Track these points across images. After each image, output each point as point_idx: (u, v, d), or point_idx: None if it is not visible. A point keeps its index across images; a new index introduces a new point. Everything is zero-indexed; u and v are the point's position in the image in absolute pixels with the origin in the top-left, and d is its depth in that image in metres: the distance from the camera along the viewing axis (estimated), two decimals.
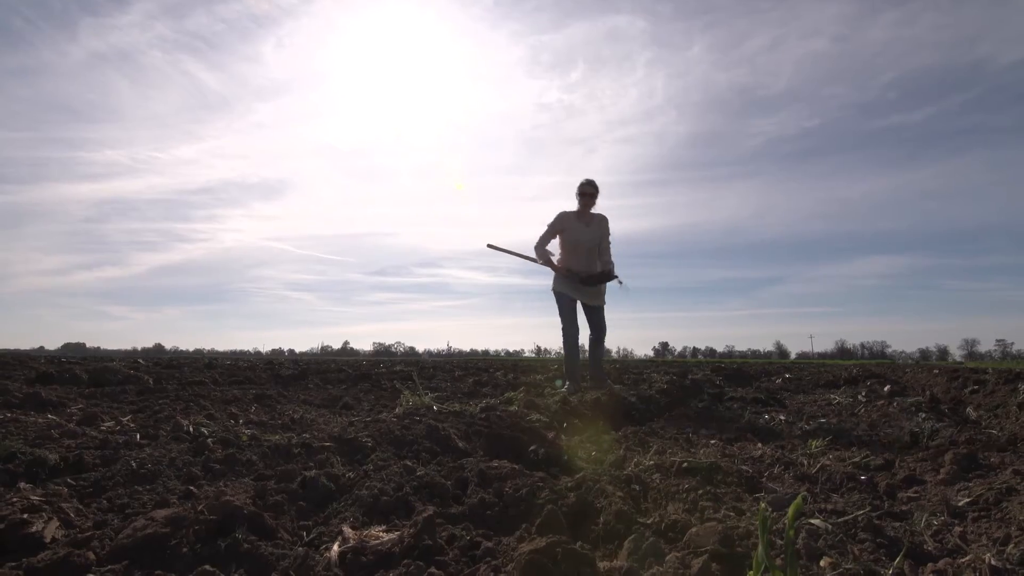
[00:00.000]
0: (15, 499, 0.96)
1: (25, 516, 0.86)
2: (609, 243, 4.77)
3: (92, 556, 0.79)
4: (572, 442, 2.12)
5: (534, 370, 8.55)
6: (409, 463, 1.25)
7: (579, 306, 4.64)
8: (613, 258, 4.76)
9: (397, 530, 0.81)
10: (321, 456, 1.58)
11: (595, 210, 4.67)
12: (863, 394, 4.52)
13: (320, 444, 1.70)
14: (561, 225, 4.58)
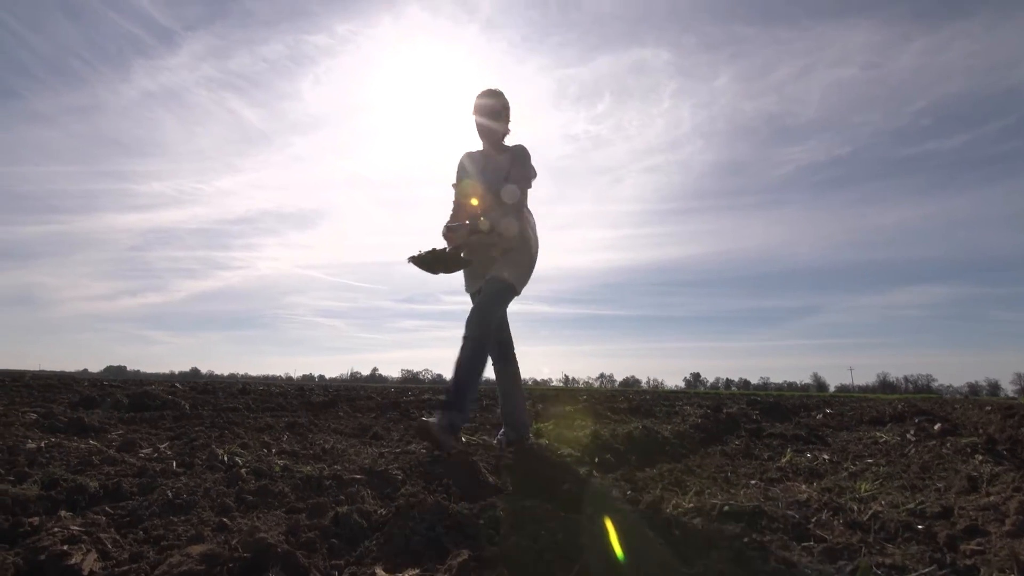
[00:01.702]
0: (56, 529, 0.97)
1: (65, 548, 0.87)
2: (522, 184, 2.79)
3: None
4: (606, 480, 2.06)
5: (562, 400, 8.41)
6: (441, 500, 1.22)
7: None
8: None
9: (431, 574, 0.78)
10: (352, 489, 1.56)
11: (510, 141, 2.93)
12: (911, 432, 4.29)
13: (351, 476, 1.69)
14: (462, 172, 2.94)
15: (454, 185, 2.96)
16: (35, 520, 1.05)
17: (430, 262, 2.61)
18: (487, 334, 2.56)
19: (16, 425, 2.36)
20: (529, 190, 2.92)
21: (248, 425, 2.86)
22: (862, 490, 2.10)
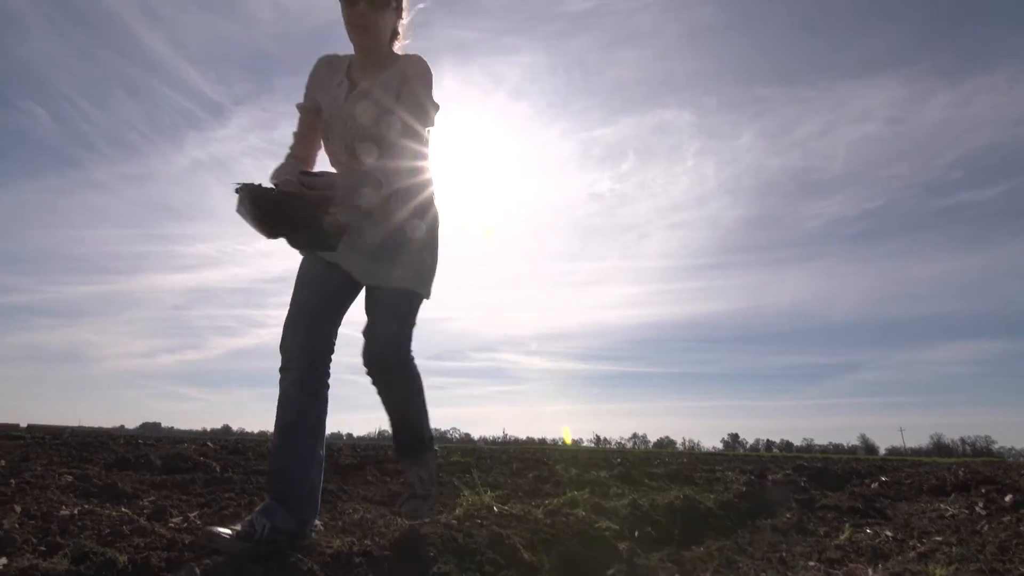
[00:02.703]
0: None
1: None
2: (414, 123, 1.76)
3: None
4: (651, 560, 1.92)
5: (596, 464, 8.10)
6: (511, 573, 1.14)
7: (337, 288, 1.82)
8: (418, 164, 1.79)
9: None
10: (382, 567, 1.49)
11: (406, 49, 1.91)
12: (980, 505, 3.94)
13: (381, 553, 1.61)
14: (313, 89, 1.90)
15: (301, 106, 1.88)
16: None
17: (273, 211, 1.41)
18: (407, 361, 1.85)
19: (52, 488, 2.36)
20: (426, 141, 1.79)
21: None
22: (935, 574, 1.90)
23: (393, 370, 1.84)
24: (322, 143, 1.89)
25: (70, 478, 2.69)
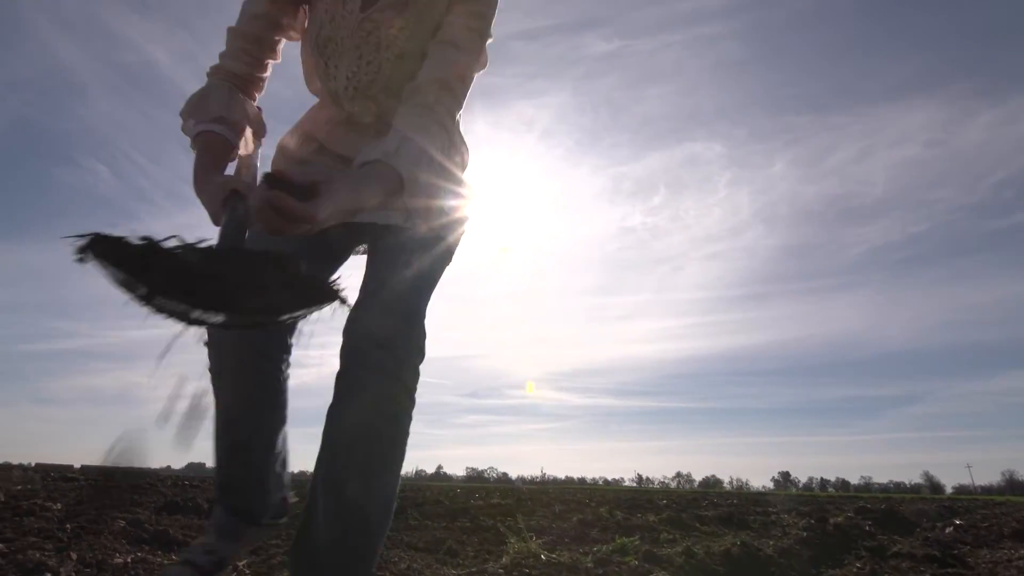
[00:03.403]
0: None
1: None
2: (469, 48, 1.02)
3: None
4: None
5: (641, 506, 7.77)
6: None
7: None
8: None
9: None
10: None
11: None
12: None
13: None
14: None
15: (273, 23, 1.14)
16: None
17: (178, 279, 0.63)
18: (416, 363, 1.01)
19: (105, 534, 2.40)
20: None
21: None
22: None
23: (383, 367, 1.03)
24: (306, 76, 1.18)
25: (123, 523, 2.74)
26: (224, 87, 1.08)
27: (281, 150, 1.22)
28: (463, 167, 1.18)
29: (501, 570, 2.28)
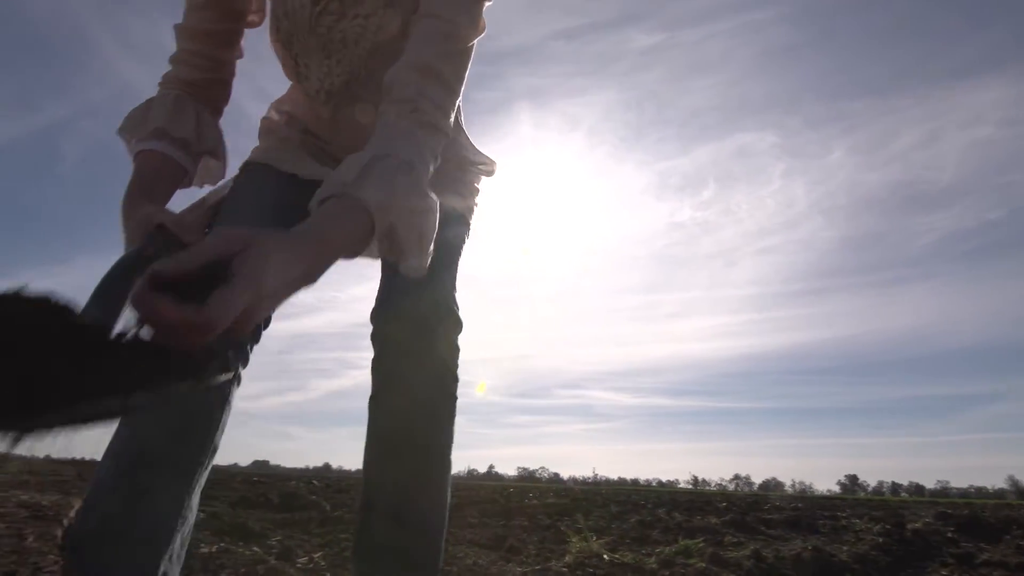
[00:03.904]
0: None
1: None
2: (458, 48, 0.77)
3: None
4: None
5: (700, 508, 7.57)
6: None
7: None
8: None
9: None
10: None
11: None
12: None
13: None
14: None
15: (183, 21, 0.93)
16: None
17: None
18: (453, 337, 0.92)
19: None
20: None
21: None
22: None
23: (419, 373, 0.93)
24: (279, 57, 0.96)
25: (203, 515, 2.91)
26: (170, 97, 0.89)
27: (266, 127, 1.04)
28: (470, 165, 1.03)
29: (565, 569, 2.28)
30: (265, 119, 1.06)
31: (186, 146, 0.87)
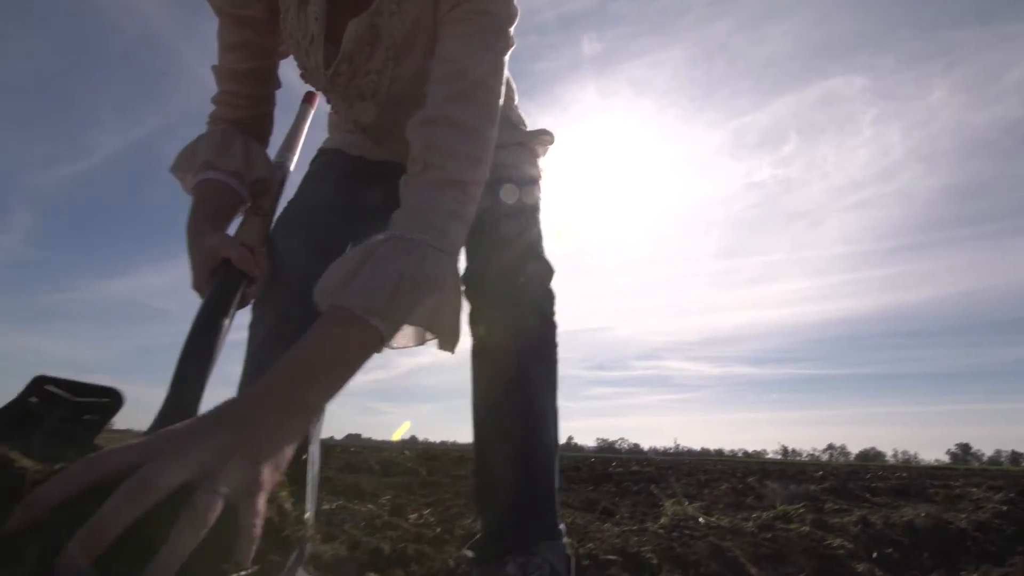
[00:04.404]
0: None
1: None
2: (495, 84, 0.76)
3: None
4: None
5: (793, 477, 7.30)
6: None
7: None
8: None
9: None
10: (610, 571, 1.50)
11: None
12: None
13: (605, 557, 1.63)
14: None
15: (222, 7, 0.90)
16: None
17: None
18: (546, 281, 0.97)
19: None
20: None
21: None
22: None
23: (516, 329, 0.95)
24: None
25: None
26: (217, 133, 0.93)
27: (333, 122, 1.18)
28: (528, 139, 1.07)
29: (661, 530, 2.30)
30: (331, 115, 1.16)
31: (238, 176, 0.90)
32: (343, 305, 0.58)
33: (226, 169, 0.89)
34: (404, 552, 1.53)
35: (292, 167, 1.05)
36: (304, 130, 1.11)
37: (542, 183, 1.07)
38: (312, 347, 0.55)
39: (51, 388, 0.53)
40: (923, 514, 2.92)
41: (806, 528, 2.50)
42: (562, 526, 0.94)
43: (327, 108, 1.13)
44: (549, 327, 0.95)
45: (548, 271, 0.96)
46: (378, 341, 0.59)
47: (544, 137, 1.11)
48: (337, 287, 0.60)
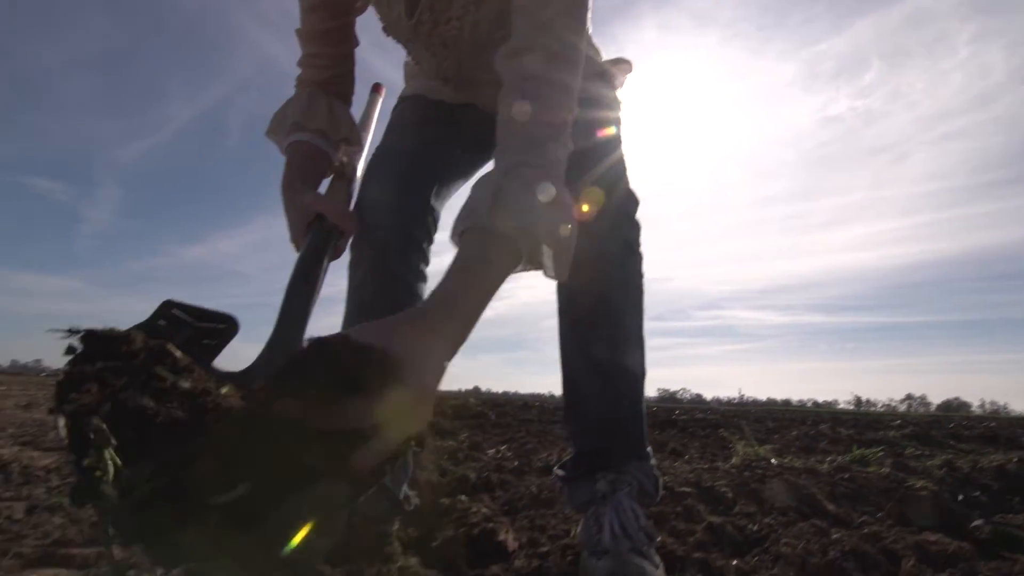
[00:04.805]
0: (475, 508, 1.19)
1: (491, 526, 1.04)
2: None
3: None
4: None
5: (869, 426, 7.06)
6: (818, 522, 1.12)
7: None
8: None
9: None
10: (685, 502, 1.55)
11: None
12: None
13: (680, 489, 1.68)
14: None
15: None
16: (465, 499, 1.30)
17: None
18: (631, 211, 0.98)
19: None
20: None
21: (555, 434, 3.13)
22: None
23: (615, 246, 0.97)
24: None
25: None
26: (303, 95, 0.99)
27: (410, 72, 1.20)
28: (608, 67, 1.05)
29: (733, 470, 2.33)
30: (407, 64, 1.19)
31: (324, 135, 0.96)
32: (489, 227, 0.61)
33: (313, 129, 0.95)
34: (489, 480, 1.65)
35: (364, 156, 1.08)
36: (374, 119, 1.16)
37: (622, 112, 1.05)
38: (465, 270, 0.60)
39: (177, 312, 0.57)
40: (1015, 459, 2.79)
41: (886, 470, 2.45)
42: (650, 448, 0.98)
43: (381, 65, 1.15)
44: (635, 257, 0.97)
45: (634, 201, 0.98)
46: (518, 262, 0.62)
47: (622, 65, 1.09)
48: (481, 210, 0.62)
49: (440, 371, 0.53)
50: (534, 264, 0.66)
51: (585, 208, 0.71)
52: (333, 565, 0.83)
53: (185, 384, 0.43)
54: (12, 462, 1.68)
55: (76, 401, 0.38)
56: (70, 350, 0.42)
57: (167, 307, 0.57)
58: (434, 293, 0.57)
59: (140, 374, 0.42)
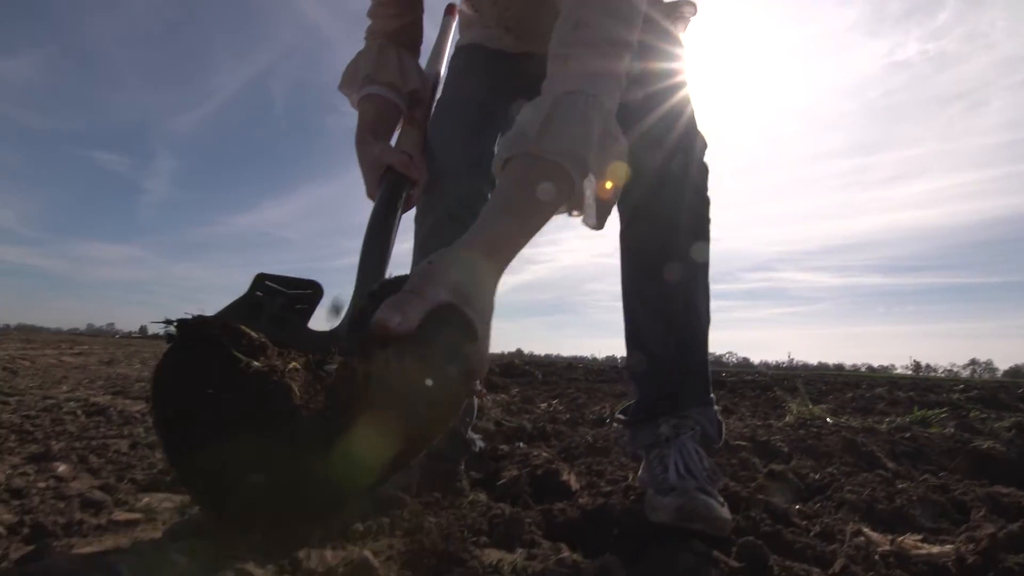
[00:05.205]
0: (536, 453, 1.23)
1: (555, 466, 1.08)
2: None
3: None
4: None
5: (930, 389, 6.78)
6: (882, 472, 1.11)
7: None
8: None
9: (943, 544, 0.71)
10: (741, 455, 1.56)
11: None
12: None
13: (735, 443, 1.69)
14: None
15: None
16: (523, 446, 1.35)
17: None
18: (698, 155, 0.96)
19: None
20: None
21: (603, 391, 3.17)
22: None
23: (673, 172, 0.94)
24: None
25: None
26: (373, 47, 1.00)
27: (466, 21, 1.18)
28: (672, 8, 1.01)
29: (788, 428, 2.31)
30: (462, 12, 1.18)
31: (395, 88, 0.98)
32: (539, 153, 0.60)
33: (383, 82, 0.97)
34: (544, 429, 1.70)
35: (442, 75, 1.12)
36: (448, 41, 1.18)
37: (686, 56, 1.01)
38: (517, 193, 0.60)
39: (269, 283, 0.66)
40: None
41: (950, 430, 2.37)
42: (713, 395, 0.99)
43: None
44: (703, 202, 0.96)
45: (702, 144, 0.96)
46: (569, 189, 0.61)
47: (686, 8, 1.04)
48: (531, 136, 0.60)
49: (492, 301, 0.56)
50: (575, 204, 0.65)
51: (608, 185, 0.68)
52: (410, 496, 0.89)
53: (256, 364, 0.51)
54: (109, 407, 1.85)
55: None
56: (168, 338, 0.51)
57: (261, 279, 0.66)
58: (478, 224, 0.57)
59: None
